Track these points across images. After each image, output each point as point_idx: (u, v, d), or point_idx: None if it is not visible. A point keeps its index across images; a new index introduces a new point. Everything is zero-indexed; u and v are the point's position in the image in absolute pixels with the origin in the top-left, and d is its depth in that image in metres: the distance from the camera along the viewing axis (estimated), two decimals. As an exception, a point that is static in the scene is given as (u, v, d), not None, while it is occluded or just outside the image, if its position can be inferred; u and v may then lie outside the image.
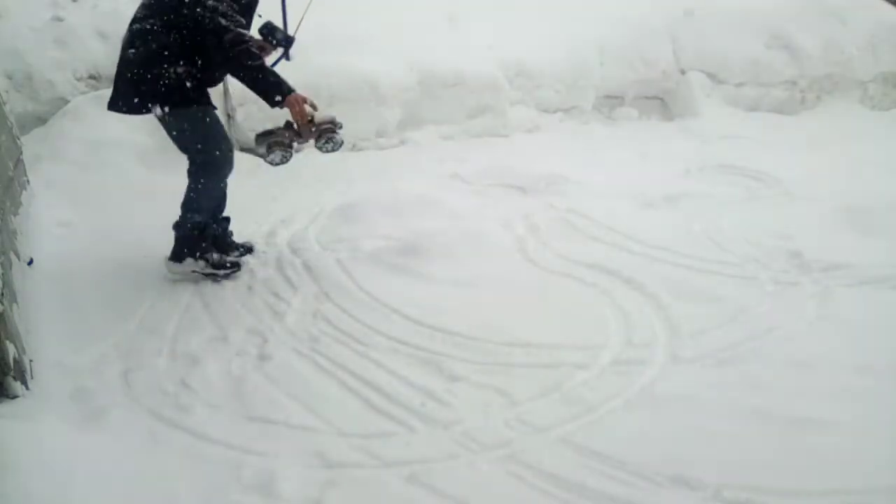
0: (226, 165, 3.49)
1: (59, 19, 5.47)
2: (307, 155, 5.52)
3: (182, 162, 3.49)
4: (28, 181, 4.52)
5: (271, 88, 3.17)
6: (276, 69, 3.29)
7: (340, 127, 3.42)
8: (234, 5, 3.15)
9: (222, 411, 2.57)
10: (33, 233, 3.98)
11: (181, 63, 3.18)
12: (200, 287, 3.49)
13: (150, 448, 2.39)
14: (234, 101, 5.43)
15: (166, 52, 3.16)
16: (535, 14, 6.80)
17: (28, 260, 3.58)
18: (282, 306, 3.30)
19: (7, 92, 5.10)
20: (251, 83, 3.18)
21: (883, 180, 4.71)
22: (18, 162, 4.38)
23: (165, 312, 3.27)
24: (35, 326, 3.03)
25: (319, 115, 3.37)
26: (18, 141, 4.65)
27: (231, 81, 5.37)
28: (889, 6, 7.75)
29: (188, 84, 3.20)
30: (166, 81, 3.17)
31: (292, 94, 3.21)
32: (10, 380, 2.40)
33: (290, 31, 3.61)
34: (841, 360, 2.74)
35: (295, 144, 3.39)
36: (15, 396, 2.41)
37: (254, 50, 3.14)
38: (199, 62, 3.22)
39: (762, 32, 7.08)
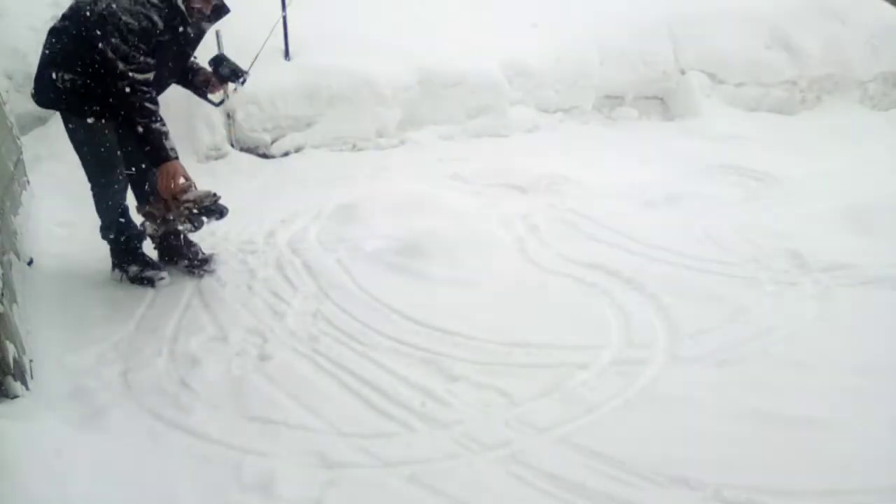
0: (105, 188, 3.39)
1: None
2: (307, 155, 5.54)
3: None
4: (28, 181, 4.52)
5: (151, 150, 3.05)
6: (233, 96, 3.39)
7: (216, 213, 3.24)
8: (143, 46, 2.99)
9: (222, 411, 2.57)
10: (33, 233, 3.98)
11: (78, 72, 3.09)
12: (200, 287, 3.49)
13: (150, 448, 2.39)
14: (234, 101, 5.43)
15: (67, 59, 3.09)
16: (535, 14, 6.81)
17: (28, 260, 3.58)
18: (282, 306, 3.30)
19: (7, 92, 5.10)
20: (135, 140, 3.06)
21: (883, 180, 4.71)
22: (18, 162, 4.39)
23: (165, 312, 3.27)
24: (35, 326, 3.03)
25: (194, 193, 3.21)
26: (18, 141, 4.65)
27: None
28: (889, 6, 7.75)
29: (81, 93, 3.12)
30: (61, 85, 3.11)
31: (168, 163, 3.07)
32: (10, 380, 2.40)
33: (254, 61, 3.54)
34: (841, 360, 2.74)
35: (169, 217, 3.24)
36: (15, 396, 2.41)
37: (147, 106, 2.99)
38: (98, 84, 3.10)
39: (762, 32, 7.08)
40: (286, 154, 5.55)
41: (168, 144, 3.06)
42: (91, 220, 3.55)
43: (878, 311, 3.12)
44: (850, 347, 2.82)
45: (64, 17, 3.15)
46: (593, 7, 6.99)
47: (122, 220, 3.48)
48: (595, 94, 6.71)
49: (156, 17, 3.02)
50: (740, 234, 3.91)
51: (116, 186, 3.40)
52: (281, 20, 3.81)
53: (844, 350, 2.80)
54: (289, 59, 5.76)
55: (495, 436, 2.41)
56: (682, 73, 6.92)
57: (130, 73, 2.95)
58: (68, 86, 3.11)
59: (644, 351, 2.87)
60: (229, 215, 3.29)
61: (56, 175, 4.70)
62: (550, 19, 6.80)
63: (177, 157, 3.08)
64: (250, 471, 2.26)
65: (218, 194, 3.26)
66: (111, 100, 3.02)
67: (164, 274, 3.51)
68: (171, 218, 3.23)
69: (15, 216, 3.79)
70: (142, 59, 2.98)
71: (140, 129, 3.00)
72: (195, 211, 3.20)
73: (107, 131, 3.25)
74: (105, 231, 3.50)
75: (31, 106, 5.26)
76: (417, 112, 5.95)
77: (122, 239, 3.50)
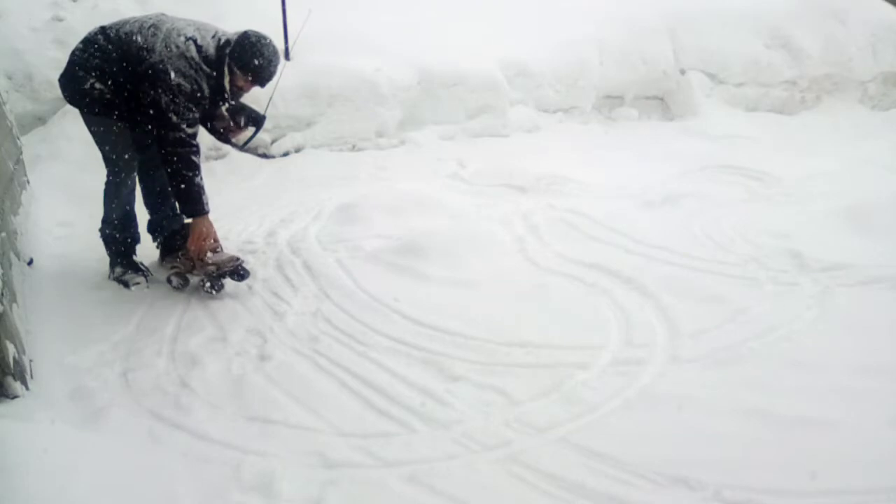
0: (119, 184, 3.47)
1: (59, 19, 5.47)
2: (308, 155, 5.54)
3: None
4: (28, 181, 4.52)
5: (189, 202, 3.21)
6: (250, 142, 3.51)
7: (237, 277, 3.38)
8: (192, 105, 3.14)
9: (222, 411, 2.57)
10: (33, 233, 3.98)
11: (109, 85, 3.21)
12: (200, 287, 3.49)
13: (150, 448, 2.39)
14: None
15: (102, 74, 3.20)
16: (535, 14, 6.81)
17: (28, 260, 3.58)
18: (282, 306, 3.30)
19: (7, 92, 5.10)
20: (174, 187, 3.20)
21: (883, 180, 4.71)
22: (18, 162, 4.39)
23: (165, 312, 3.27)
24: (35, 326, 3.03)
25: (218, 256, 3.35)
26: (18, 141, 4.65)
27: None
28: (889, 6, 7.75)
29: (107, 101, 3.23)
30: (89, 90, 3.21)
31: (202, 217, 3.23)
32: (10, 380, 2.40)
33: (269, 103, 3.65)
34: (841, 360, 2.74)
35: (194, 275, 3.41)
36: (15, 396, 2.42)
37: (193, 159, 3.15)
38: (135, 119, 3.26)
39: (762, 32, 7.08)
40: (286, 154, 5.55)
41: (204, 199, 3.22)
42: (91, 220, 3.56)
43: (877, 311, 3.12)
44: (850, 347, 2.82)
45: (107, 35, 3.24)
46: (593, 7, 6.99)
47: (124, 219, 3.52)
48: (595, 94, 6.71)
49: (204, 85, 3.18)
50: (740, 234, 3.91)
51: (130, 184, 3.49)
52: (307, 13, 4.11)
53: (844, 350, 2.80)
54: (289, 60, 5.76)
55: (495, 436, 2.41)
56: (682, 73, 6.92)
57: (183, 125, 3.10)
58: (96, 94, 3.22)
59: (644, 351, 2.87)
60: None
61: (56, 175, 4.70)
62: (550, 19, 6.79)
63: (209, 211, 3.24)
64: (250, 471, 2.26)
65: (241, 259, 3.41)
66: (161, 150, 3.15)
67: (140, 279, 3.53)
68: (196, 276, 3.40)
69: (15, 216, 3.79)
70: (192, 115, 3.15)
71: (183, 181, 3.15)
72: (216, 274, 3.34)
73: (125, 133, 3.34)
74: (105, 225, 3.52)
75: (31, 106, 5.30)
76: (417, 112, 5.95)
77: (119, 238, 3.53)
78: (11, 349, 2.45)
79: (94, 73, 3.21)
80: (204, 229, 3.25)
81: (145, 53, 3.14)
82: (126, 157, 3.40)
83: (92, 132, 3.37)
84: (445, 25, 6.39)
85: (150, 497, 2.16)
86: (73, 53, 3.29)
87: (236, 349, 2.96)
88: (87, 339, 3.02)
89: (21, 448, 2.10)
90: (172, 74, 3.08)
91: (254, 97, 3.63)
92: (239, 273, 3.38)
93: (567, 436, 2.39)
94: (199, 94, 3.15)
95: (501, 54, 6.32)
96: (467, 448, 2.36)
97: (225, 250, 3.84)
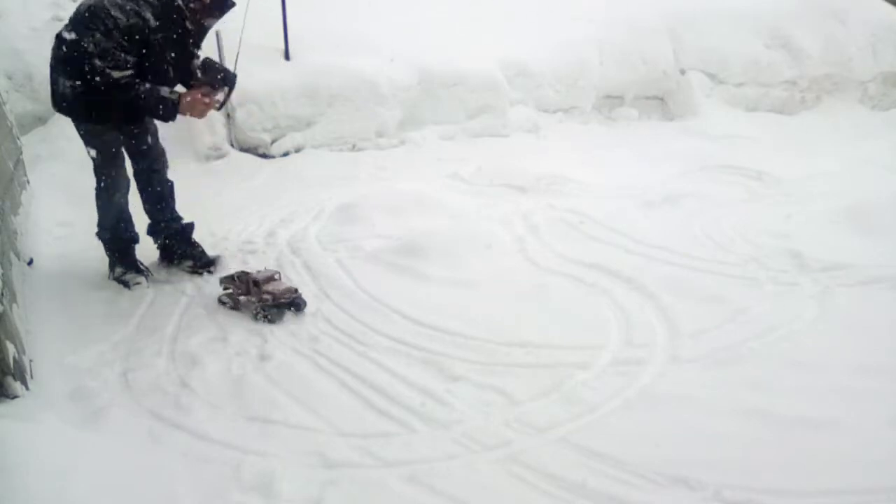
0: (106, 189, 3.41)
1: (59, 19, 5.47)
2: (307, 155, 5.54)
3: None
4: (28, 181, 4.52)
5: (159, 112, 3.08)
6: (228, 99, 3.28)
7: (293, 308, 3.20)
8: (126, 44, 3.00)
9: (222, 411, 2.57)
10: (33, 233, 3.98)
11: (76, 79, 3.07)
12: (201, 287, 3.49)
13: (150, 448, 2.38)
14: (234, 100, 5.43)
15: (66, 66, 3.10)
16: (535, 14, 6.81)
17: (28, 260, 3.58)
18: (282, 306, 3.30)
19: (7, 92, 5.10)
20: (138, 112, 3.12)
21: (883, 180, 4.71)
22: (18, 162, 4.39)
23: (165, 312, 3.27)
24: (35, 326, 3.03)
25: (276, 286, 3.22)
26: (18, 141, 4.65)
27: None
28: (889, 6, 7.75)
29: (82, 100, 3.12)
30: (62, 91, 3.14)
31: (180, 102, 3.07)
32: (10, 380, 2.40)
33: (233, 66, 3.40)
34: (841, 360, 2.74)
35: (242, 299, 3.27)
36: (15, 396, 2.41)
37: (138, 94, 3.00)
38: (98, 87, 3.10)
39: (762, 32, 7.09)
40: (286, 154, 5.55)
41: (164, 93, 3.04)
42: (91, 220, 3.55)
43: (877, 311, 3.12)
44: (850, 347, 2.82)
45: (68, 20, 3.17)
46: (593, 7, 6.99)
47: (119, 223, 3.49)
48: (595, 94, 6.71)
49: (147, 15, 3.04)
50: (740, 234, 3.91)
51: (118, 188, 3.41)
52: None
53: (844, 350, 2.80)
54: (289, 59, 5.76)
55: (495, 436, 2.41)
56: (682, 73, 6.92)
57: (107, 70, 2.95)
58: (68, 92, 3.12)
59: (644, 351, 2.87)
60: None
61: (56, 175, 4.70)
62: (550, 19, 6.80)
63: (177, 98, 3.07)
64: (250, 471, 2.26)
65: (298, 290, 3.25)
66: (100, 97, 3.02)
67: (140, 279, 3.50)
68: (251, 301, 3.22)
69: (15, 216, 3.79)
70: (121, 56, 2.99)
71: (138, 112, 3.07)
72: (272, 304, 3.16)
73: (109, 134, 3.28)
74: (101, 230, 3.51)
75: (31, 106, 5.30)
76: (417, 112, 5.95)
77: (116, 240, 3.51)
78: (11, 349, 2.45)
79: (60, 70, 3.12)
80: (188, 102, 3.09)
81: (83, 8, 3.05)
82: (112, 160, 3.33)
83: (80, 135, 3.32)
84: (445, 25, 6.40)
85: (150, 497, 2.16)
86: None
87: (236, 349, 2.96)
88: (87, 339, 3.02)
89: (21, 448, 2.10)
90: (108, 10, 2.97)
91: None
92: (296, 304, 3.20)
93: (567, 436, 2.39)
94: (141, 25, 3.01)
95: (501, 54, 6.32)
96: (467, 448, 2.36)
97: (225, 249, 3.84)
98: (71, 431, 2.37)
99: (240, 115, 5.46)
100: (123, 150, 3.40)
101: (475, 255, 3.65)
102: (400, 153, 5.67)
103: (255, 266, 3.68)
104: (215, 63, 3.33)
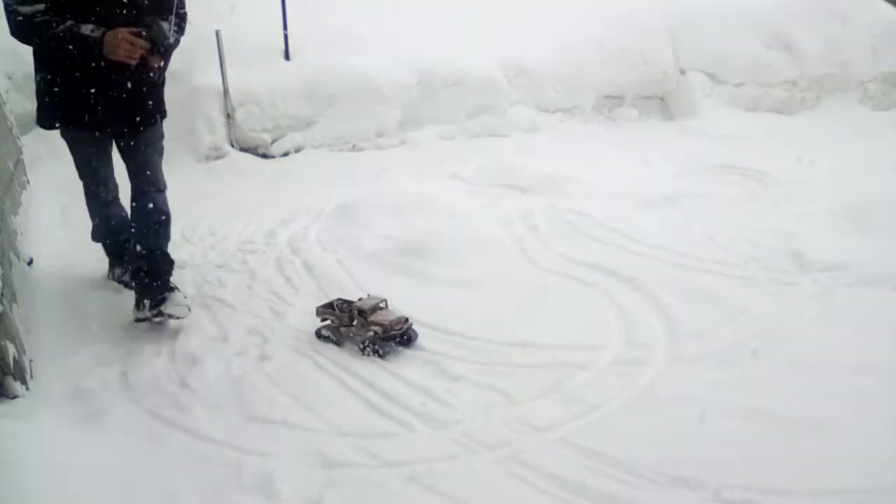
0: (89, 195, 3.28)
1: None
2: (307, 155, 5.55)
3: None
4: (28, 181, 4.52)
5: (76, 46, 2.71)
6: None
7: (408, 339, 2.88)
8: None
9: (222, 411, 2.57)
10: (33, 233, 3.98)
11: (40, 69, 2.90)
12: (200, 287, 3.49)
13: (150, 448, 2.38)
14: (234, 100, 5.44)
15: (35, 56, 2.91)
16: (535, 14, 6.81)
17: (28, 260, 3.58)
18: (282, 306, 3.30)
19: (7, 92, 5.11)
20: (52, 53, 2.76)
21: (883, 180, 4.70)
22: (18, 162, 4.39)
23: (165, 312, 3.26)
24: (35, 326, 3.03)
25: (383, 315, 2.89)
26: (18, 141, 4.65)
27: (230, 81, 5.41)
28: (889, 6, 7.75)
29: (47, 98, 2.94)
30: (37, 90, 2.97)
31: (104, 40, 2.69)
32: (10, 380, 2.40)
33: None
34: (841, 360, 2.73)
35: (344, 330, 2.94)
36: (15, 396, 2.42)
37: (38, 20, 2.67)
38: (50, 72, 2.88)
39: (762, 32, 7.09)
40: (286, 154, 5.56)
41: (84, 31, 2.70)
42: (91, 220, 3.55)
43: (877, 311, 3.12)
44: (850, 347, 2.82)
45: None
46: (593, 7, 6.99)
47: (110, 232, 3.40)
48: (595, 94, 6.72)
49: None
50: (740, 234, 3.91)
51: (102, 194, 3.28)
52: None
53: (844, 350, 2.80)
54: (289, 60, 5.76)
55: (495, 436, 2.40)
56: (682, 73, 6.93)
57: (12, 7, 2.70)
58: (42, 86, 2.94)
59: (644, 351, 2.87)
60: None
61: (56, 175, 4.70)
62: (550, 19, 6.80)
63: (102, 33, 2.70)
64: (250, 471, 2.26)
65: (409, 319, 2.91)
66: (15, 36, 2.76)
67: None
68: (355, 333, 2.92)
69: (15, 216, 3.79)
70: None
71: (55, 51, 2.72)
72: (382, 337, 2.84)
73: (84, 139, 3.09)
74: (94, 233, 3.47)
75: (31, 106, 5.28)
76: (417, 112, 5.96)
77: (111, 242, 3.46)
78: (11, 349, 2.46)
79: (37, 61, 2.92)
80: (112, 41, 2.69)
81: None
82: (87, 169, 3.18)
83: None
84: (445, 25, 6.40)
85: (150, 497, 2.16)
86: None
87: (236, 349, 2.96)
88: (87, 339, 3.02)
89: (21, 448, 2.10)
90: None
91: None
92: (409, 336, 2.88)
93: (567, 436, 2.39)
94: None
95: (501, 54, 6.33)
96: (467, 448, 2.36)
97: (225, 249, 3.82)
98: (71, 431, 2.37)
99: (240, 115, 5.46)
100: (109, 158, 3.20)
101: (475, 255, 3.65)
102: (400, 153, 5.67)
103: (254, 266, 3.69)
104: (161, 25, 2.83)
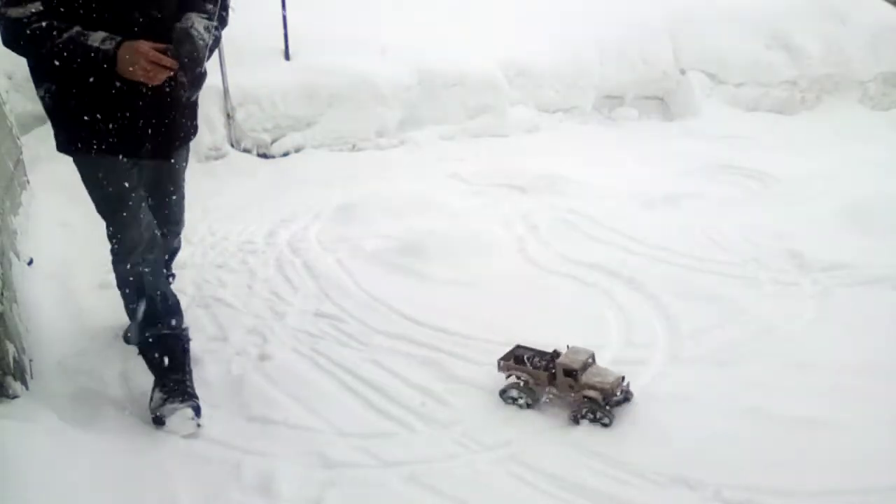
0: (121, 245, 2.56)
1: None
2: (307, 155, 5.54)
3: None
4: (28, 181, 4.52)
5: (84, 61, 2.15)
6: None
7: (626, 400, 2.48)
8: None
9: (222, 411, 2.57)
10: (33, 233, 3.98)
11: (44, 83, 2.39)
12: (200, 287, 3.49)
13: (150, 448, 2.38)
14: (234, 100, 5.43)
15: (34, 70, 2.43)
16: (535, 14, 6.81)
17: (28, 260, 3.58)
18: (282, 306, 3.30)
19: (7, 92, 5.10)
20: (58, 63, 2.18)
21: (883, 180, 4.70)
22: (18, 162, 4.38)
23: (165, 312, 3.26)
24: (35, 326, 3.03)
25: (600, 375, 2.45)
26: (18, 141, 4.65)
27: (230, 81, 5.41)
28: (889, 6, 7.75)
29: (57, 115, 2.42)
30: (43, 107, 2.45)
31: (118, 53, 2.14)
32: (10, 380, 2.40)
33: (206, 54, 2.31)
34: (841, 360, 2.73)
35: (538, 388, 2.53)
36: (15, 396, 2.41)
37: (34, 27, 2.15)
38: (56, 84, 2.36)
39: (762, 32, 7.09)
40: (286, 154, 5.55)
41: (94, 42, 2.14)
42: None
43: (877, 311, 3.12)
44: (850, 347, 2.82)
45: None
46: (593, 7, 6.99)
47: (154, 311, 2.62)
48: (595, 94, 6.71)
49: None
50: (740, 234, 3.90)
51: (132, 238, 2.54)
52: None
53: (844, 350, 2.80)
54: (289, 60, 5.76)
55: (495, 436, 2.40)
56: (682, 73, 6.92)
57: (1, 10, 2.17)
58: (48, 101, 2.42)
59: (644, 351, 2.87)
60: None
61: (56, 175, 4.69)
62: (550, 19, 6.80)
63: (117, 45, 2.15)
64: (250, 471, 2.26)
65: (625, 377, 2.50)
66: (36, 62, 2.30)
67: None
68: (562, 396, 2.48)
69: (15, 216, 3.79)
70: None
71: (57, 63, 2.18)
72: (603, 402, 2.40)
73: (105, 167, 2.46)
74: (133, 334, 2.76)
75: (31, 106, 5.28)
76: (417, 112, 5.95)
77: (150, 339, 2.63)
78: (11, 349, 2.45)
79: (35, 76, 2.45)
80: (129, 55, 2.14)
81: None
82: (117, 205, 2.49)
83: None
84: (445, 25, 6.40)
85: (150, 497, 2.16)
86: None
87: (236, 349, 2.96)
88: (87, 339, 3.02)
89: (21, 448, 2.10)
90: None
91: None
92: (626, 398, 2.49)
93: (567, 436, 2.39)
94: None
95: (501, 54, 6.32)
96: (467, 448, 2.36)
97: (225, 249, 3.81)
98: (71, 431, 2.37)
99: (240, 115, 5.46)
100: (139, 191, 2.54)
101: (475, 255, 3.65)
102: (400, 153, 5.67)
103: (254, 266, 3.68)
104: (193, 38, 2.21)
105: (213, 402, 2.62)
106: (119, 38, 2.16)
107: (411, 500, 2.15)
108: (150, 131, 2.41)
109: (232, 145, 5.49)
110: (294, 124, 5.60)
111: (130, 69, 2.15)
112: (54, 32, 2.15)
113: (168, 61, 2.17)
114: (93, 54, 2.14)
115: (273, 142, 5.57)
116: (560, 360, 2.50)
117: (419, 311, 3.16)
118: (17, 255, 3.44)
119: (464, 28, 6.41)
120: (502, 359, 2.60)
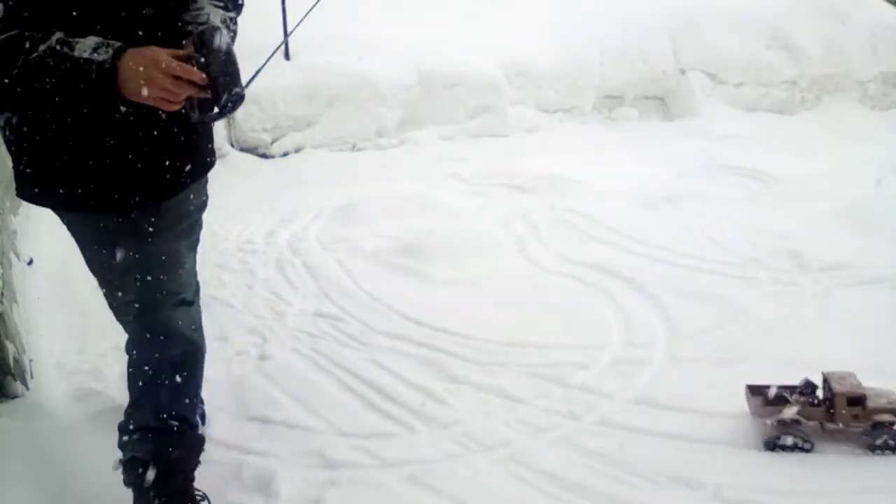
0: (118, 313, 2.12)
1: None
2: (307, 155, 5.54)
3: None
4: (28, 181, 4.51)
5: (69, 79, 1.50)
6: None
7: None
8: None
9: (222, 411, 2.57)
10: (33, 233, 3.98)
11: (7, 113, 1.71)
12: (200, 288, 3.48)
13: (150, 448, 2.38)
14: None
15: None
16: (535, 14, 6.81)
17: (28, 260, 3.58)
18: (282, 306, 3.30)
19: (7, 92, 5.10)
20: (34, 87, 1.52)
21: (883, 180, 4.70)
22: (18, 162, 4.38)
23: (165, 312, 3.26)
24: (35, 326, 3.03)
25: (885, 398, 2.24)
26: (18, 141, 4.65)
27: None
28: (889, 6, 7.74)
29: (21, 166, 1.78)
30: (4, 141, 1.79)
31: (120, 54, 1.51)
32: (10, 380, 2.40)
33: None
34: (841, 360, 2.72)
35: (814, 424, 2.29)
36: (15, 396, 2.42)
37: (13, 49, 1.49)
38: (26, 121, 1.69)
39: (762, 32, 7.08)
40: (286, 154, 5.55)
41: (83, 53, 1.50)
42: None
43: (877, 311, 3.12)
44: (850, 347, 2.82)
45: None
46: (593, 7, 6.99)
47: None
48: (595, 94, 6.71)
49: None
50: (740, 234, 3.91)
51: (129, 326, 2.13)
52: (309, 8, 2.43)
53: (844, 350, 2.80)
54: (289, 60, 5.76)
55: (495, 436, 2.40)
56: (682, 73, 6.92)
57: None
58: (9, 135, 1.74)
59: (644, 351, 2.87)
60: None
61: (56, 175, 4.70)
62: (550, 19, 6.80)
63: (116, 54, 1.52)
64: (250, 471, 2.26)
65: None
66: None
67: None
68: (832, 428, 2.26)
69: (15, 216, 3.79)
70: None
71: (30, 87, 1.52)
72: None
73: (81, 230, 2.05)
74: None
75: (31, 106, 5.31)
76: (417, 112, 5.95)
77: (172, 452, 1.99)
78: (11, 349, 2.46)
79: None
80: (139, 65, 1.50)
81: None
82: (107, 266, 2.05)
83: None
84: (445, 25, 6.40)
85: (150, 497, 2.16)
86: None
87: (236, 349, 2.96)
88: (87, 339, 3.02)
89: (21, 448, 2.10)
90: None
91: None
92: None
93: (567, 436, 2.39)
94: None
95: (501, 54, 6.32)
96: (467, 448, 2.36)
97: (225, 249, 3.79)
98: (71, 431, 2.37)
99: (240, 115, 5.45)
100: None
101: (475, 255, 3.65)
102: (400, 153, 5.67)
103: (254, 266, 3.68)
104: (219, 26, 1.62)
105: (213, 403, 2.61)
106: (119, 44, 1.53)
107: (411, 500, 2.15)
108: (141, 174, 1.77)
109: (232, 145, 5.49)
110: (294, 124, 5.60)
111: (142, 88, 1.50)
112: (26, 44, 1.50)
113: (196, 74, 1.52)
114: (83, 70, 1.49)
115: (273, 142, 5.57)
116: (837, 389, 2.23)
117: (419, 311, 3.16)
118: (17, 255, 3.44)
119: (464, 28, 6.41)
120: (760, 405, 2.31)
